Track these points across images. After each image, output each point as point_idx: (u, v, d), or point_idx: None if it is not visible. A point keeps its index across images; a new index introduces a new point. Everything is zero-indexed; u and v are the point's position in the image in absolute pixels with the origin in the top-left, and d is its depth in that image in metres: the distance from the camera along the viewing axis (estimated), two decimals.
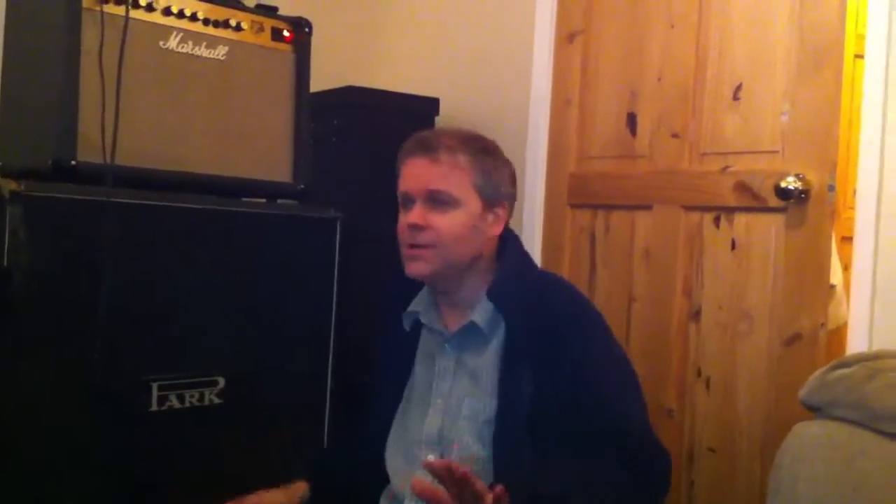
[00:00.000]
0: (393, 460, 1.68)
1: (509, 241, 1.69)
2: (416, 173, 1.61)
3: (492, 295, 1.60)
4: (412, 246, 1.59)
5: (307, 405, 2.17)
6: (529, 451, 1.50)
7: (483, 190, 1.62)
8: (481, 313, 1.60)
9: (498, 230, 1.66)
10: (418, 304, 1.70)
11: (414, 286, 1.72)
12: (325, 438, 2.19)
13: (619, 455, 1.46)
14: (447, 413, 1.61)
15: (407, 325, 1.72)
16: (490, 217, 1.64)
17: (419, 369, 1.70)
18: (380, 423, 1.71)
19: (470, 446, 1.56)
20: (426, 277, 1.63)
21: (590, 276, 2.72)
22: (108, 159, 1.84)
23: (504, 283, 1.62)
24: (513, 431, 1.52)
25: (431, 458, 1.57)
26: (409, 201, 1.61)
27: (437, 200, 1.59)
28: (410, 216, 1.59)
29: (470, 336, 1.62)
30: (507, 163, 1.69)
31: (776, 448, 1.71)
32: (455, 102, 2.99)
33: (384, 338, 1.79)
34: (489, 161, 1.64)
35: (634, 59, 2.62)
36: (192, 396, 1.95)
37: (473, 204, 1.61)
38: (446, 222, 1.58)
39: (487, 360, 1.60)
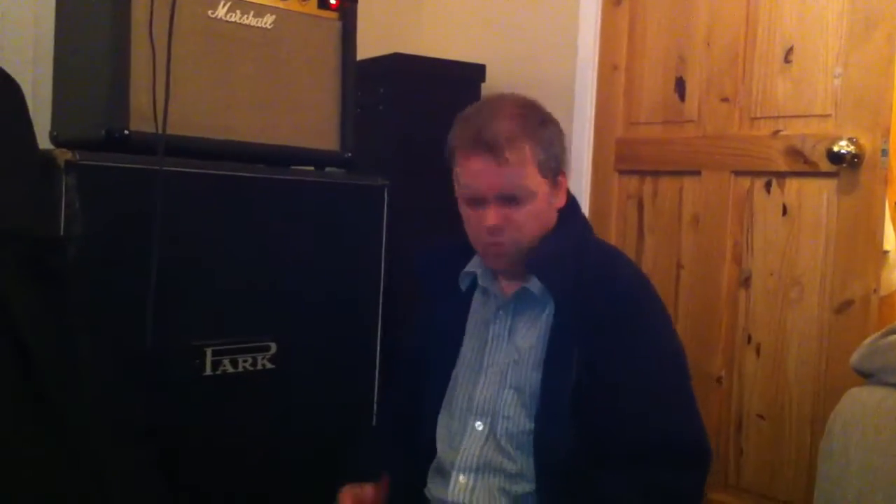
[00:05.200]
0: (440, 428, 1.67)
1: (568, 210, 1.65)
2: (483, 174, 1.53)
3: (535, 271, 1.57)
4: (492, 244, 1.57)
5: (356, 369, 2.20)
6: (570, 430, 1.48)
7: (546, 167, 1.57)
8: (535, 282, 1.57)
9: (563, 200, 1.64)
10: (475, 266, 1.69)
11: (462, 251, 1.70)
12: (375, 402, 2.22)
13: (652, 463, 1.45)
14: (498, 382, 1.59)
15: (464, 286, 1.70)
16: (555, 191, 1.61)
17: (471, 335, 1.68)
18: (434, 388, 1.69)
19: (516, 419, 1.55)
20: (508, 266, 1.61)
21: (637, 242, 2.71)
22: (160, 129, 1.86)
23: (546, 257, 1.57)
24: (555, 408, 1.50)
25: (480, 426, 1.59)
26: (481, 201, 1.55)
27: (513, 199, 1.54)
28: (488, 218, 1.53)
29: (524, 302, 1.60)
30: (557, 124, 1.63)
31: (826, 415, 1.71)
32: (501, 68, 2.98)
33: (436, 304, 1.76)
34: (546, 134, 1.58)
35: (682, 22, 2.59)
36: (245, 361, 1.98)
37: (543, 187, 1.57)
38: (523, 216, 1.55)
39: (537, 332, 1.57)
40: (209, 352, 1.93)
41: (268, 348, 2.02)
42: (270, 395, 2.03)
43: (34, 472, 1.39)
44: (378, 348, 2.23)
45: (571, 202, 1.66)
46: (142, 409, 1.70)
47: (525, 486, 1.53)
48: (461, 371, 1.66)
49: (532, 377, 1.54)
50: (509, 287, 1.64)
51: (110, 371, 1.64)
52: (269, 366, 2.02)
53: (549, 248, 1.58)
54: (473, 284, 1.71)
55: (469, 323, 1.69)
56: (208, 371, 1.93)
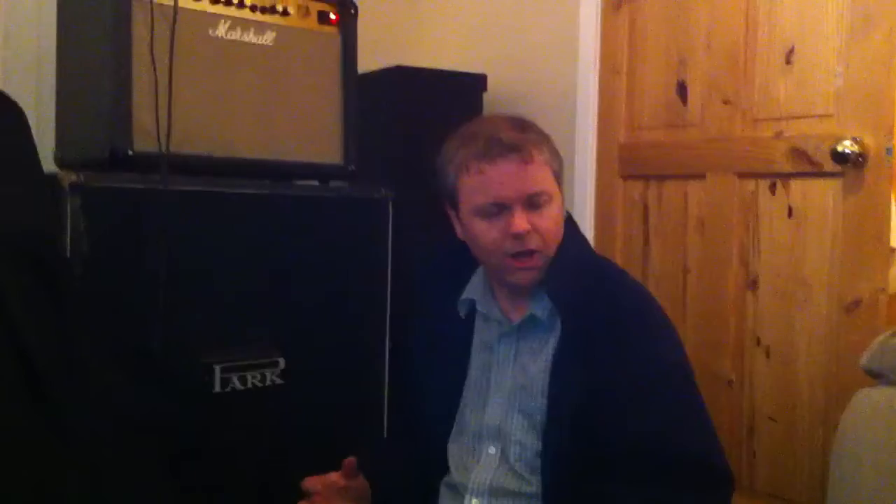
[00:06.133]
0: (452, 450, 1.65)
1: (569, 225, 1.60)
2: (509, 177, 1.48)
3: (549, 290, 1.52)
4: (517, 255, 1.50)
5: (365, 383, 2.20)
6: (576, 451, 1.44)
7: (558, 176, 1.55)
8: (542, 306, 1.53)
9: (565, 213, 1.60)
10: (473, 292, 1.64)
11: (461, 271, 1.67)
12: (384, 414, 2.21)
13: (665, 483, 1.39)
14: (506, 406, 1.56)
15: (462, 313, 1.65)
16: (562, 203, 1.57)
17: (475, 359, 1.64)
18: (441, 412, 1.65)
19: (527, 443, 1.52)
20: (537, 282, 1.53)
21: (643, 247, 2.70)
22: (164, 148, 1.87)
23: (561, 276, 1.52)
24: (562, 430, 1.46)
25: (493, 450, 1.56)
26: (503, 208, 1.49)
27: (536, 201, 1.50)
28: (516, 224, 1.47)
29: (530, 328, 1.56)
30: None
31: (838, 415, 1.70)
32: (502, 77, 2.98)
33: (436, 324, 1.70)
34: (553, 145, 1.56)
35: (683, 25, 2.59)
36: (253, 378, 1.99)
37: (559, 194, 1.54)
38: (546, 222, 1.50)
39: (542, 356, 1.53)
40: (218, 369, 1.93)
41: (276, 364, 2.02)
42: (280, 411, 2.03)
43: (33, 473, 1.40)
44: (387, 361, 2.23)
45: (569, 217, 1.63)
46: (151, 429, 1.70)
47: None
48: (469, 395, 1.63)
49: (541, 402, 1.51)
50: (512, 312, 1.60)
51: (111, 372, 1.64)
52: (277, 382, 2.02)
53: (563, 268, 1.54)
54: (473, 308, 1.66)
55: (473, 346, 1.65)
56: (217, 388, 1.94)
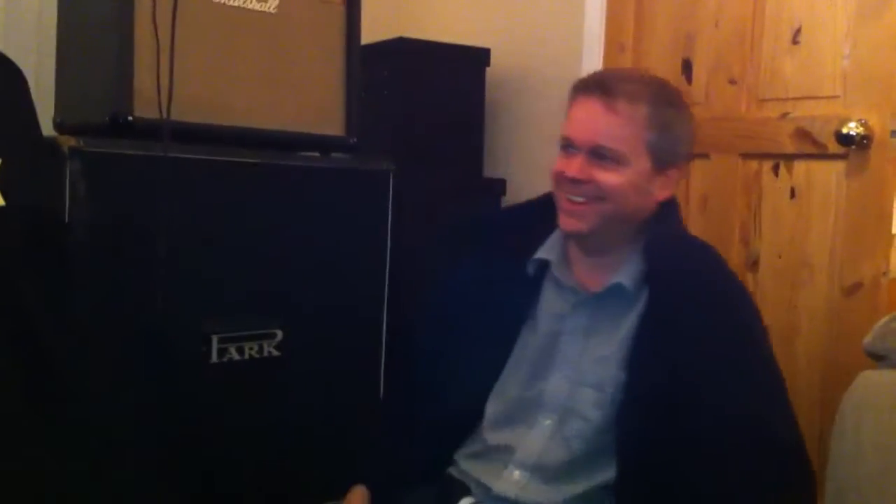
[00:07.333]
0: (491, 414, 1.55)
1: (669, 208, 1.54)
2: (586, 118, 1.45)
3: (646, 251, 1.47)
4: (569, 199, 1.47)
5: (363, 355, 2.19)
6: (655, 431, 1.37)
7: (656, 148, 1.46)
8: (629, 275, 1.48)
9: (666, 194, 1.52)
10: (549, 252, 1.57)
11: (535, 229, 1.59)
12: (381, 388, 2.21)
13: (757, 470, 1.34)
14: (573, 379, 1.49)
15: (531, 270, 1.57)
16: (659, 180, 1.49)
17: (542, 324, 1.55)
18: (482, 369, 1.56)
19: (593, 419, 1.45)
20: (580, 235, 1.50)
21: None
22: (164, 114, 1.85)
23: (658, 242, 1.48)
24: (641, 408, 1.39)
25: (548, 423, 1.48)
26: (572, 147, 1.46)
27: (604, 156, 1.44)
28: (571, 168, 1.45)
29: (612, 299, 1.49)
30: (690, 119, 1.53)
31: (836, 397, 1.69)
32: (506, 52, 2.96)
33: (494, 281, 1.59)
34: (671, 115, 1.48)
35: (690, 2, 2.57)
36: (251, 349, 1.98)
37: (643, 164, 1.45)
38: (610, 179, 1.44)
39: (622, 329, 1.47)
40: (215, 339, 1.92)
41: (274, 335, 2.01)
42: (276, 383, 2.02)
43: (38, 463, 1.39)
44: (384, 333, 2.22)
45: (674, 203, 1.57)
46: (148, 397, 1.70)
47: (579, 487, 1.44)
48: (526, 361, 1.54)
49: (616, 375, 1.44)
50: (590, 279, 1.54)
51: (109, 336, 1.64)
52: (275, 353, 2.02)
53: (660, 237, 1.50)
54: (542, 270, 1.59)
55: (540, 311, 1.57)
56: (214, 359, 1.93)
